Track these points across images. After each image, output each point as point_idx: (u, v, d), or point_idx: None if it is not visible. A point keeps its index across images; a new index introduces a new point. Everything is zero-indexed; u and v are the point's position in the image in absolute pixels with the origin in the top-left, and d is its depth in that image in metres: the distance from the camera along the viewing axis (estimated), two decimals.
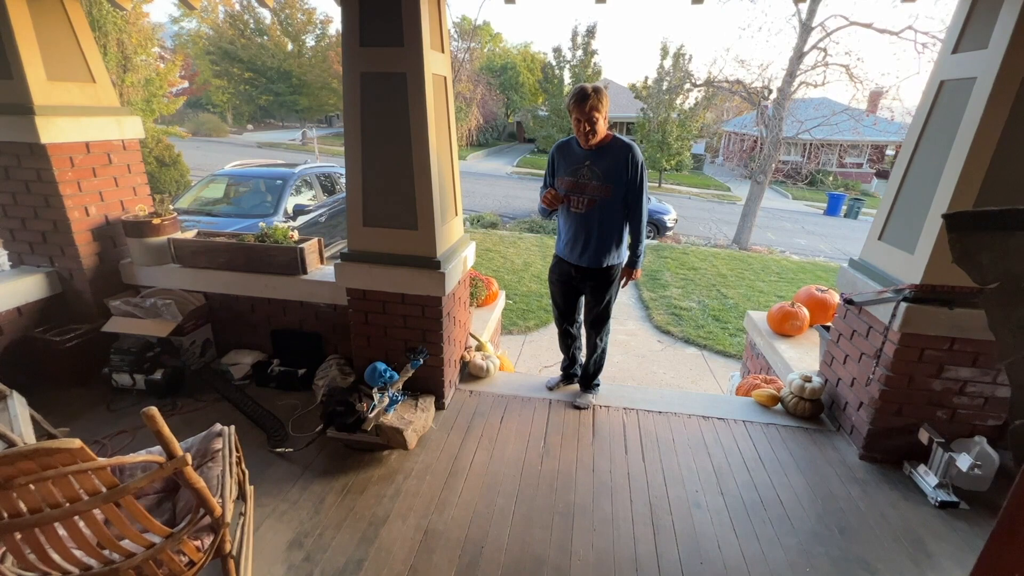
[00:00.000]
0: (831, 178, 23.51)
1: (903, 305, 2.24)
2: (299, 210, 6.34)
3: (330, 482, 2.26)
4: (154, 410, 1.10)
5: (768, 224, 14.57)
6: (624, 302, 7.22)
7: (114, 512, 1.18)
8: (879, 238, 2.56)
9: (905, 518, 2.19)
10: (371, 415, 2.33)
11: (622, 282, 2.70)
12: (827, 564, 1.94)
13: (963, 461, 2.17)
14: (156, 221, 2.99)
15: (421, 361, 2.59)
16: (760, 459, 2.54)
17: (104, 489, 1.10)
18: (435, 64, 2.40)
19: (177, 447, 1.18)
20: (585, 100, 2.33)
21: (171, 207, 3.15)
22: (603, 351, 2.89)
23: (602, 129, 2.43)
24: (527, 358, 5.37)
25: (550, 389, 3.07)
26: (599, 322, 2.76)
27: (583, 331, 2.95)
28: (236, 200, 6.65)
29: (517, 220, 12.21)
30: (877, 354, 2.42)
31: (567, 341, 3.01)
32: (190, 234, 3.16)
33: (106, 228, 2.97)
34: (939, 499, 2.23)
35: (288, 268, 2.92)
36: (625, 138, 2.48)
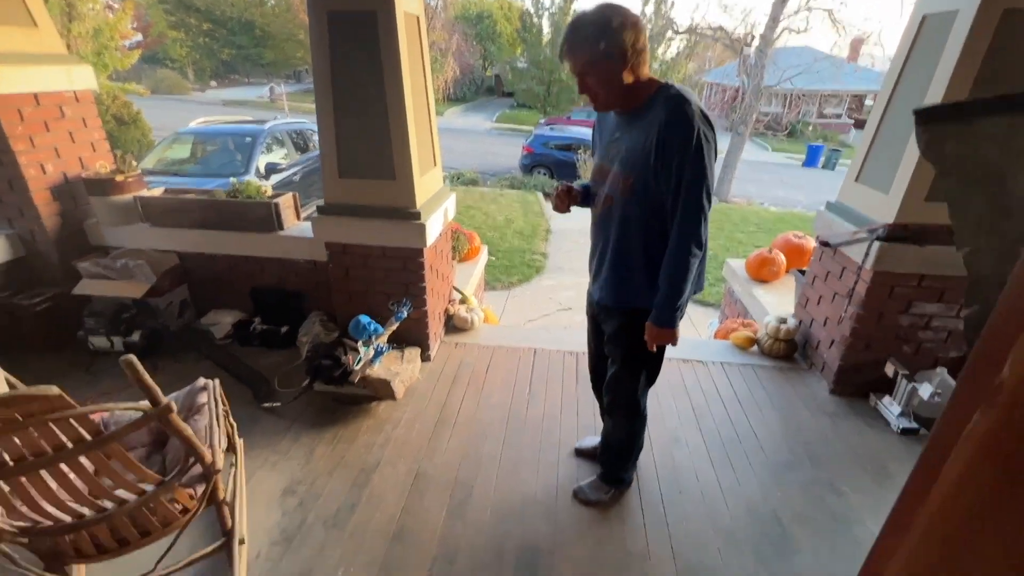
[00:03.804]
0: (810, 129, 23.50)
1: (876, 244, 2.30)
2: (271, 169, 6.11)
3: (320, 433, 2.30)
4: (132, 357, 1.08)
5: (747, 176, 14.60)
6: None
7: (102, 461, 1.18)
8: (856, 179, 2.59)
9: (869, 445, 2.32)
10: (357, 367, 2.35)
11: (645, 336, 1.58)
12: (797, 489, 2.07)
13: (925, 390, 2.30)
14: (120, 178, 2.86)
15: (405, 314, 2.59)
16: (737, 397, 2.64)
17: (89, 437, 1.10)
18: (406, 2, 2.27)
19: (160, 395, 1.17)
20: (563, 55, 1.43)
21: (134, 163, 3.00)
22: (625, 439, 1.88)
23: (617, 82, 1.38)
24: (511, 313, 5.42)
25: (578, 453, 2.22)
26: (610, 391, 1.79)
27: None
28: (204, 160, 6.37)
29: (498, 176, 12.00)
30: (849, 293, 2.50)
31: (596, 392, 2.06)
32: (157, 192, 3.03)
33: (66, 187, 2.83)
34: (901, 427, 2.37)
35: (263, 224, 2.84)
36: (680, 89, 1.39)
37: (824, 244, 2.68)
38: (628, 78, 1.38)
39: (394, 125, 2.33)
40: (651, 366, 1.71)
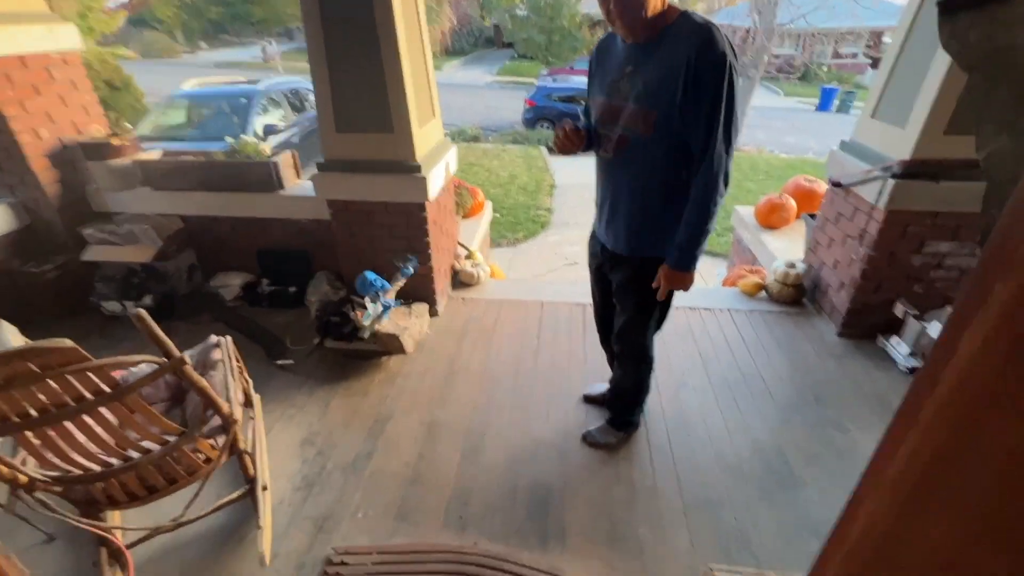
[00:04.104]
0: (825, 70, 22.46)
1: (890, 182, 2.23)
2: (269, 131, 5.99)
3: (333, 388, 2.35)
4: (143, 311, 1.10)
5: (758, 123, 14.11)
6: None
7: (126, 414, 1.22)
8: (872, 116, 2.49)
9: (875, 384, 2.34)
10: (367, 323, 2.37)
11: (656, 281, 1.56)
12: (803, 428, 2.11)
13: (934, 328, 2.29)
14: (116, 142, 2.82)
15: (411, 270, 2.59)
16: (744, 343, 2.66)
17: (108, 389, 1.13)
18: None
19: (173, 348, 1.19)
20: None
21: (128, 125, 2.95)
22: (633, 385, 1.92)
23: (652, 4, 1.29)
24: (517, 269, 5.41)
25: (586, 399, 2.26)
26: (620, 340, 1.79)
27: None
28: (201, 124, 6.26)
29: (500, 132, 11.71)
30: (861, 234, 2.46)
31: (603, 344, 2.08)
32: (155, 155, 2.99)
33: (63, 152, 2.79)
34: (909, 366, 2.38)
35: (264, 184, 2.81)
36: (701, 18, 1.31)
37: (836, 185, 2.61)
38: (657, 4, 1.30)
39: (389, 76, 2.25)
40: (661, 312, 1.71)
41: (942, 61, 2.04)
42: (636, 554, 1.61)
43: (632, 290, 1.66)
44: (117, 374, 1.71)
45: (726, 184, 1.38)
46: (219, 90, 6.58)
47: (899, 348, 2.45)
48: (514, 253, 5.81)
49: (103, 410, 1.17)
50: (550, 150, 10.14)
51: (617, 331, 1.78)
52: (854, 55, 25.12)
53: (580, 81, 12.64)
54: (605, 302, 1.88)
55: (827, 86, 18.51)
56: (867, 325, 2.60)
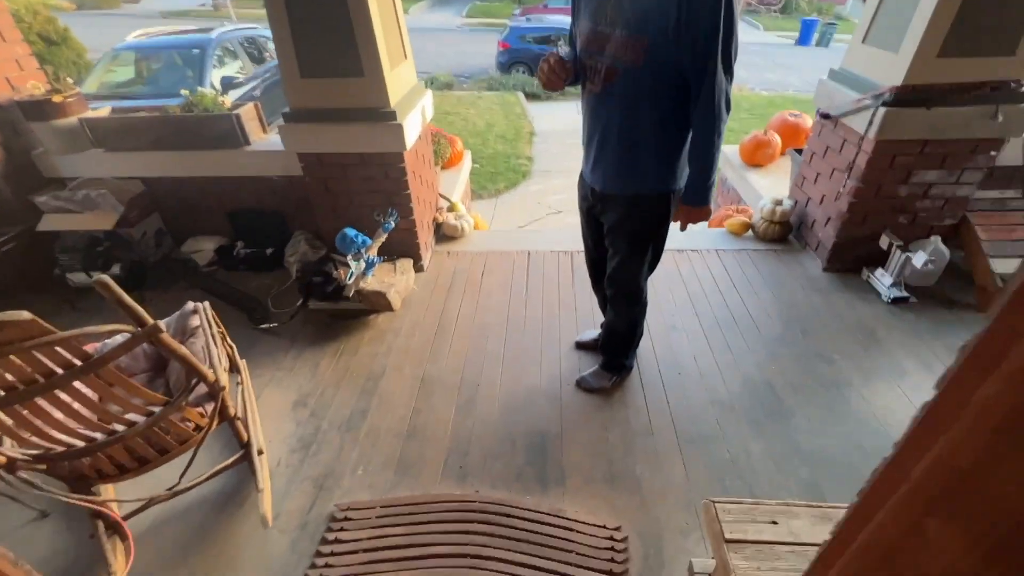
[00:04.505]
0: (805, 2, 21.75)
1: (881, 110, 2.17)
2: (228, 83, 5.59)
3: (322, 348, 2.30)
4: (106, 277, 1.01)
5: (738, 60, 13.73)
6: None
7: (104, 387, 1.16)
8: (863, 41, 2.39)
9: (860, 315, 2.39)
10: (350, 281, 2.30)
11: (677, 224, 1.57)
12: (790, 361, 2.15)
13: (918, 258, 2.31)
14: (57, 99, 2.58)
15: (392, 224, 2.49)
16: (732, 282, 2.66)
17: (79, 363, 1.06)
18: None
19: (146, 315, 1.12)
20: None
21: (69, 80, 2.70)
22: (627, 327, 1.89)
23: None
24: (500, 220, 5.30)
25: (578, 346, 2.26)
26: (613, 282, 1.74)
27: None
28: (151, 79, 5.81)
29: (474, 78, 11.18)
30: (849, 166, 2.42)
31: (595, 289, 2.07)
32: (103, 112, 2.76)
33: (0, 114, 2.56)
34: (892, 296, 2.42)
35: (228, 140, 2.63)
36: None
37: (825, 116, 2.55)
38: None
39: (355, 12, 2.06)
40: (654, 253, 1.67)
41: None
42: (634, 490, 1.65)
43: (624, 230, 1.61)
44: (91, 347, 1.64)
45: (728, 110, 1.32)
46: (169, 40, 6.08)
47: (883, 280, 2.48)
48: (496, 204, 5.68)
49: (78, 384, 1.11)
50: (527, 95, 9.77)
51: (610, 273, 1.75)
52: None
53: (556, 20, 12.04)
54: (597, 245, 1.84)
55: (807, 18, 17.97)
56: (852, 259, 2.62)
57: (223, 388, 1.43)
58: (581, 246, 2.85)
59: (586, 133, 1.57)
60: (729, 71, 1.27)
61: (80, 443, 1.22)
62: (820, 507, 1.15)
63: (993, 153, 2.27)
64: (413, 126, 2.45)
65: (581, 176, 1.72)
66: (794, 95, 10.35)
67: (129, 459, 1.39)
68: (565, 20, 12.11)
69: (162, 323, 1.18)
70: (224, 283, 2.73)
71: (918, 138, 2.24)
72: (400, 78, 2.43)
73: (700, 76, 1.27)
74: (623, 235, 1.62)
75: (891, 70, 2.18)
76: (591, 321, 2.41)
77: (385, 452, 1.82)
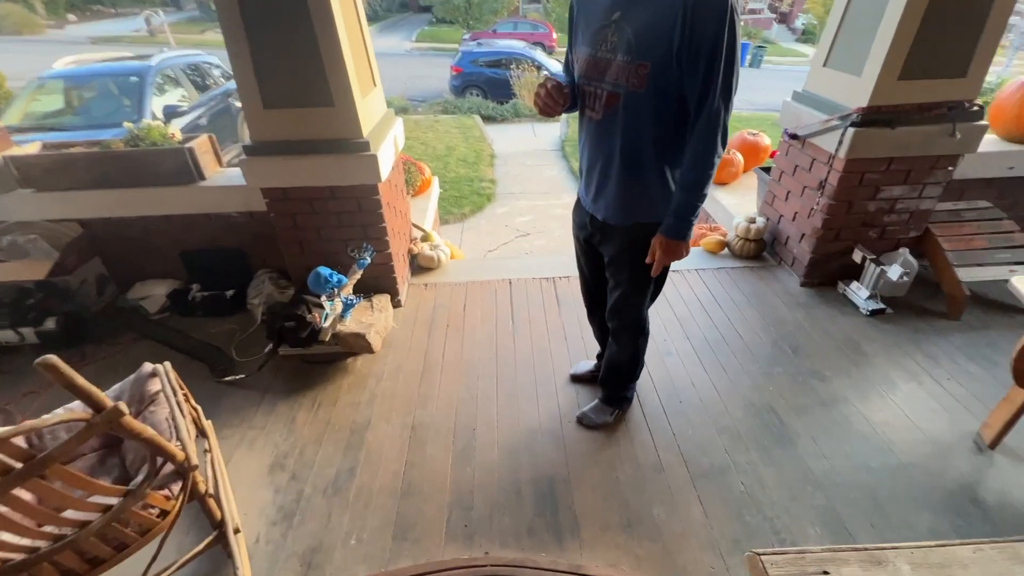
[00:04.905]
0: None
1: (850, 130, 2.25)
2: (171, 112, 5.26)
3: (297, 400, 2.10)
4: (53, 359, 0.83)
5: None
6: (556, 175, 7.05)
7: (43, 487, 0.95)
8: (824, 65, 2.49)
9: (843, 329, 2.42)
10: (327, 324, 2.12)
11: (649, 255, 1.45)
12: (786, 380, 2.14)
13: (894, 271, 2.38)
14: None
15: (368, 260, 2.34)
16: (716, 301, 2.66)
17: (17, 465, 0.86)
18: None
19: (102, 397, 0.94)
20: None
21: None
22: (629, 359, 1.80)
23: None
24: (469, 245, 5.20)
25: (573, 379, 2.17)
26: (616, 315, 1.67)
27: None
28: (83, 108, 5.39)
29: (428, 102, 11.15)
30: (821, 185, 2.49)
31: (591, 320, 2.00)
32: (32, 148, 2.48)
33: None
34: (870, 308, 2.48)
35: (180, 176, 2.41)
36: None
37: (793, 137, 2.62)
38: None
39: (322, 37, 1.93)
40: (658, 281, 1.61)
41: (896, 6, 2.04)
42: (655, 536, 1.56)
43: (627, 261, 1.54)
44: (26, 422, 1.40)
45: (723, 143, 1.26)
46: (103, 68, 5.68)
47: (859, 293, 2.55)
48: (463, 228, 5.59)
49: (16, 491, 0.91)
50: (484, 118, 9.81)
51: (611, 306, 1.67)
52: (760, 10, 26.21)
53: (505, 45, 12.27)
54: (594, 275, 1.76)
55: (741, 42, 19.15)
56: (827, 272, 2.68)
57: (195, 467, 1.23)
58: (563, 272, 2.79)
59: (586, 161, 1.49)
60: (728, 101, 1.22)
61: (17, 556, 1.01)
62: (866, 550, 1.10)
63: (951, 168, 2.39)
64: (387, 156, 2.33)
65: (578, 204, 1.65)
66: (742, 114, 10.89)
67: (80, 562, 1.17)
68: (515, 44, 12.38)
69: (120, 402, 0.99)
70: (179, 332, 2.48)
71: (884, 156, 2.33)
72: (371, 106, 2.31)
73: (700, 103, 1.22)
74: (626, 266, 1.55)
75: (855, 92, 2.27)
76: (583, 350, 2.34)
77: (380, 515, 1.65)
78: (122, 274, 2.70)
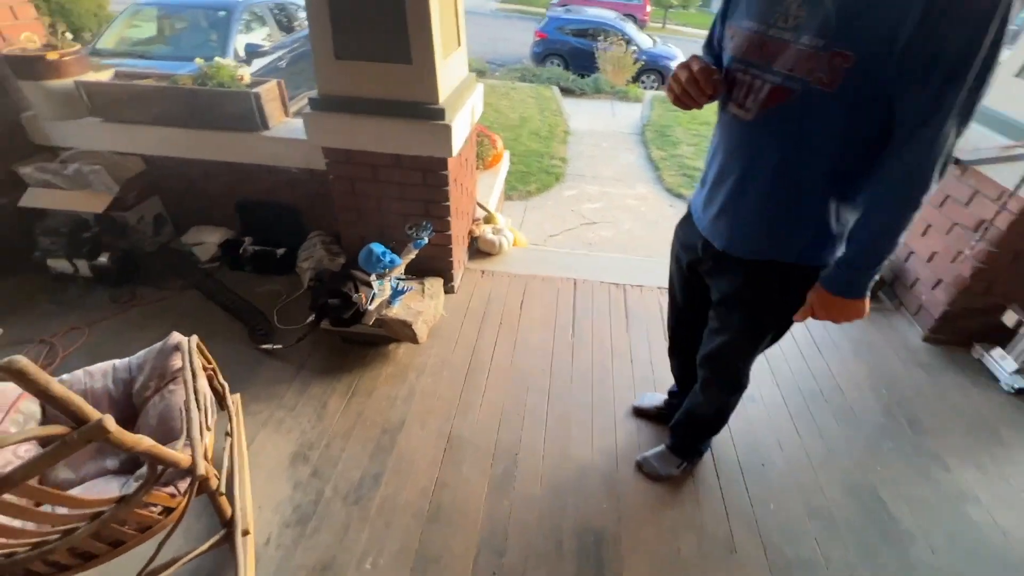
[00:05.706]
0: None
1: None
2: (252, 51, 5.22)
3: (332, 383, 1.94)
4: (21, 361, 0.65)
5: None
6: (632, 161, 6.57)
7: (10, 507, 0.79)
8: (1017, 75, 1.97)
9: (976, 406, 1.99)
10: (372, 307, 1.93)
11: (802, 311, 1.11)
12: (900, 461, 1.76)
13: None
14: (52, 56, 2.21)
15: (425, 240, 2.11)
16: (814, 343, 2.27)
17: None
18: None
19: (87, 408, 0.75)
20: None
21: (68, 35, 2.33)
22: (715, 413, 1.52)
23: None
24: (530, 226, 4.90)
25: (636, 412, 1.88)
26: (711, 363, 1.37)
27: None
28: (174, 39, 5.45)
29: (507, 67, 10.71)
30: (981, 225, 2.01)
31: (672, 356, 1.68)
32: (105, 75, 2.39)
33: None
34: (1016, 386, 2.01)
35: (243, 121, 2.25)
36: None
37: (955, 162, 2.13)
38: None
39: None
40: (776, 336, 1.27)
41: None
42: None
43: (744, 304, 1.21)
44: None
45: (941, 176, 0.88)
46: None
47: (1002, 363, 2.08)
48: (526, 207, 5.28)
49: None
50: (562, 90, 9.29)
51: (707, 352, 1.35)
52: None
53: (595, 14, 11.47)
54: (691, 310, 1.44)
55: None
56: (962, 331, 2.21)
57: (203, 476, 1.07)
58: (634, 279, 2.46)
59: (715, 169, 1.14)
60: (963, 127, 0.84)
61: None
62: None
63: None
64: (462, 127, 2.06)
65: (688, 217, 1.31)
66: None
67: (69, 557, 1.04)
68: (605, 14, 11.54)
69: (137, 369, 0.81)
70: (226, 288, 2.37)
71: None
72: (452, 69, 2.04)
73: (919, 124, 0.85)
74: (740, 310, 1.22)
75: None
76: (651, 378, 2.04)
77: (401, 538, 1.46)
78: (179, 215, 2.63)
